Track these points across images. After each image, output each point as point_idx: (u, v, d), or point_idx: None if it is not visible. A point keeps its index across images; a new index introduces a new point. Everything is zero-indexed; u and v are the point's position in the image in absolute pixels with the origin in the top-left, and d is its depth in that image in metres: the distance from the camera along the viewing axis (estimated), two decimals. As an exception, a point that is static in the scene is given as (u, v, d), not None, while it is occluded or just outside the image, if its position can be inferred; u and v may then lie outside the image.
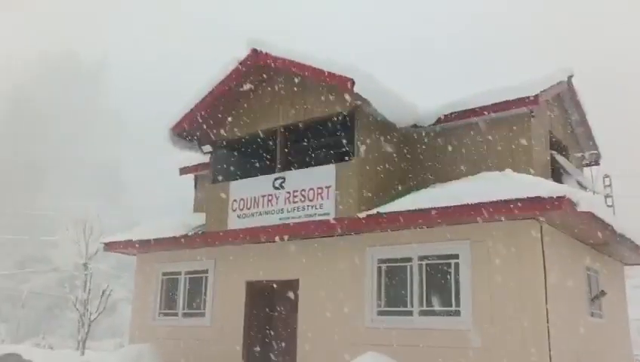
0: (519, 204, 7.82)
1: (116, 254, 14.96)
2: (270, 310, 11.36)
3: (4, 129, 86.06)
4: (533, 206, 7.77)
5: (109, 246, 13.54)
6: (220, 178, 11.72)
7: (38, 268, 57.42)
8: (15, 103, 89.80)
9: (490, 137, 10.00)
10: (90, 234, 31.04)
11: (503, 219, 8.25)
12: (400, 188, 10.24)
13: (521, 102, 9.46)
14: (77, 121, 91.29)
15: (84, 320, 29.63)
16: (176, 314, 12.37)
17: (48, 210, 65.20)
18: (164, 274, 12.83)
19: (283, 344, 10.84)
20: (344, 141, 11.09)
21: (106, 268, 39.91)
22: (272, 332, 11.28)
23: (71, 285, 31.17)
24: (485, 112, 9.82)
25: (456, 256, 8.81)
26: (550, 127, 10.72)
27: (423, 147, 10.71)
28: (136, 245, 12.57)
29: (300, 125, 10.82)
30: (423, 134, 10.72)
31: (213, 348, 11.20)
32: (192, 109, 11.36)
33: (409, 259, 9.29)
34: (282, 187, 10.46)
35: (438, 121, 10.31)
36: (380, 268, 9.61)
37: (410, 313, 9.11)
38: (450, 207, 8.37)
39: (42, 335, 39.29)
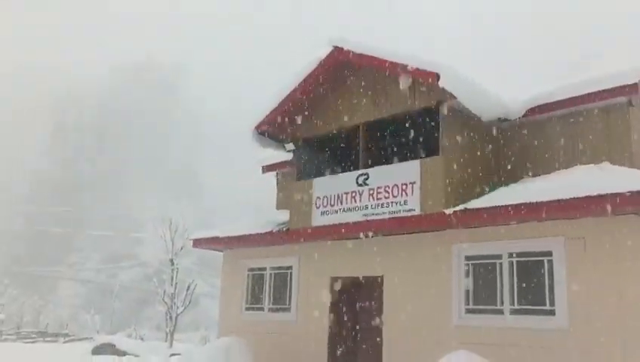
0: (619, 199, 7.42)
1: (197, 251, 15.50)
2: (355, 306, 11.40)
3: (93, 136, 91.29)
4: (635, 200, 7.34)
5: (197, 243, 14.06)
6: (304, 175, 11.88)
7: (126, 263, 60.69)
8: (100, 110, 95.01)
9: (584, 129, 9.55)
10: (175, 231, 32.33)
11: (600, 214, 7.86)
12: (487, 183, 9.98)
13: (619, 90, 8.96)
14: (159, 124, 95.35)
15: (172, 313, 30.99)
16: (262, 309, 12.68)
17: (133, 209, 68.72)
18: (249, 269, 13.18)
19: (368, 340, 10.86)
20: (428, 136, 10.93)
21: (188, 264, 41.48)
22: (357, 329, 11.31)
23: (159, 279, 32.67)
24: (579, 103, 9.38)
25: (549, 254, 8.48)
26: (650, 116, 10.09)
27: (511, 141, 10.38)
28: (223, 241, 12.99)
29: (383, 121, 10.78)
30: (511, 127, 10.39)
31: (299, 342, 11.39)
32: (275, 108, 11.58)
33: (498, 256, 9.04)
34: (366, 184, 10.47)
35: (527, 113, 9.95)
36: (467, 266, 9.42)
37: (500, 311, 8.87)
38: (543, 202, 8.06)
39: (133, 326, 41.41)
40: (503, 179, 10.11)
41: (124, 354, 23.51)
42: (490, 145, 10.42)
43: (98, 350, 24.82)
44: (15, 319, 50.65)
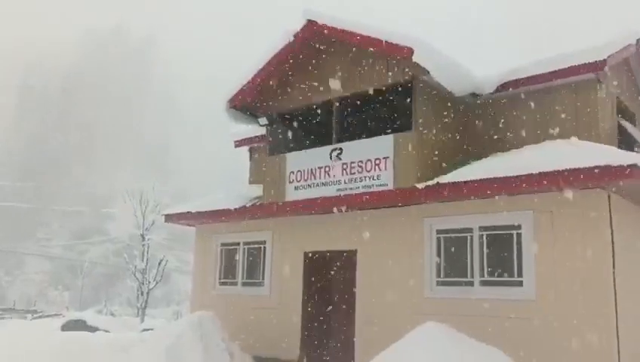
0: (586, 173, 7.61)
1: (169, 226, 15.37)
2: (328, 280, 11.51)
3: (58, 106, 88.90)
4: (602, 175, 7.54)
5: (169, 218, 13.95)
6: (277, 150, 11.84)
7: (96, 238, 59.97)
8: (65, 80, 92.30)
9: (553, 105, 9.71)
10: (146, 206, 32.01)
11: (568, 189, 8.04)
12: (459, 158, 10.11)
13: (587, 67, 9.12)
14: (128, 95, 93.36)
15: (143, 288, 30.85)
16: (235, 284, 12.71)
17: (104, 184, 67.66)
18: (222, 244, 13.16)
19: (341, 314, 11.00)
20: (402, 111, 10.97)
21: (159, 240, 41.19)
22: (331, 302, 11.44)
23: (129, 255, 32.41)
24: (549, 79, 9.52)
25: (519, 227, 8.68)
26: (617, 93, 10.30)
27: (483, 116, 10.50)
28: (195, 217, 12.92)
29: (357, 96, 10.77)
30: (483, 103, 10.50)
31: (273, 316, 11.49)
32: (247, 82, 11.47)
33: (469, 230, 9.21)
34: (339, 158, 10.49)
35: (499, 88, 10.07)
36: (439, 239, 9.58)
37: (470, 283, 9.07)
38: (512, 176, 8.22)
39: (104, 303, 41.14)
40: (475, 154, 10.24)
41: (95, 330, 23.33)
42: (462, 121, 10.54)
43: (68, 326, 24.55)
44: (-19, 296, 49.77)
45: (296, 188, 11.09)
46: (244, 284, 12.54)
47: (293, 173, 11.19)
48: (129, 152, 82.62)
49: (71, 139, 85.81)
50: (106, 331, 22.60)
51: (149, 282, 30.86)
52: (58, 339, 17.81)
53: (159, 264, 30.71)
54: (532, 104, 9.93)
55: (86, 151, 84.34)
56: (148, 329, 19.86)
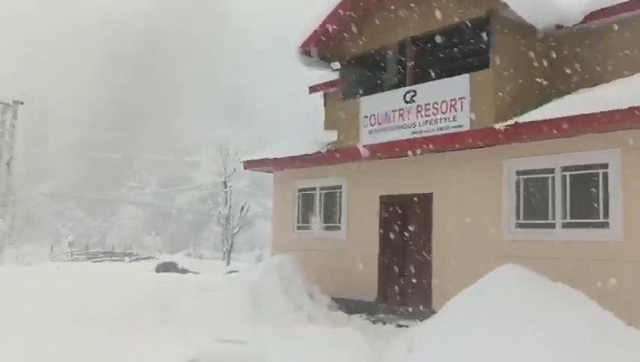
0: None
1: (250, 173, 15.79)
2: (404, 224, 11.52)
3: (142, 61, 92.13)
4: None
5: (247, 165, 14.35)
6: (350, 94, 11.75)
7: (183, 186, 62.84)
8: (148, 36, 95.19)
9: (647, 34, 8.94)
10: (226, 154, 33.01)
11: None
12: (541, 95, 9.61)
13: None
14: (205, 47, 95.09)
15: (227, 233, 32.26)
16: (313, 228, 13.00)
17: (187, 132, 70.16)
18: (300, 190, 13.42)
19: (418, 257, 11.04)
20: (478, 49, 10.50)
21: (241, 187, 42.48)
22: (407, 246, 11.49)
23: (213, 202, 33.85)
24: (643, 5, 8.74)
25: (605, 166, 8.24)
26: None
27: (568, 50, 9.85)
28: (273, 163, 13.21)
29: (431, 35, 10.39)
30: (568, 35, 9.83)
31: (349, 259, 11.71)
32: (319, 26, 11.33)
33: (551, 170, 8.86)
34: (413, 101, 10.28)
35: (586, 18, 9.36)
36: (518, 180, 9.29)
37: (552, 225, 8.80)
38: (598, 113, 7.75)
39: (192, 246, 43.42)
40: (557, 90, 9.70)
41: (184, 271, 24.81)
42: (544, 55, 9.94)
43: (161, 268, 26.25)
44: (83, 241, 53.95)
45: (370, 132, 11.03)
46: (321, 228, 12.80)
47: (367, 117, 11.11)
48: (209, 102, 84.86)
49: (156, 92, 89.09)
50: (195, 273, 23.99)
51: (233, 227, 32.18)
52: (152, 279, 19.15)
53: (241, 210, 31.90)
54: (624, 34, 9.18)
55: (170, 102, 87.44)
56: (233, 272, 20.85)
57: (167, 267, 25.99)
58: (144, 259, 41.49)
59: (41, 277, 17.97)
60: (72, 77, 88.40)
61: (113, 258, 45.75)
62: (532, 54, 9.73)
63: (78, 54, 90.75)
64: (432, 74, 11.13)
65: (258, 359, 5.80)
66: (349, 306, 11.11)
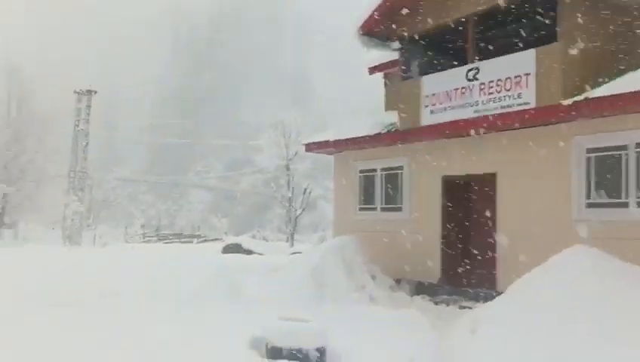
0: None
1: (312, 156, 15.92)
2: (467, 204, 11.35)
3: (206, 44, 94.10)
4: None
5: (309, 148, 14.49)
6: (411, 74, 11.61)
7: (247, 170, 64.14)
8: (212, 22, 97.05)
9: None
10: (288, 137, 33.38)
11: None
12: (612, 69, 9.15)
13: None
14: (268, 32, 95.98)
15: (290, 216, 32.77)
16: (374, 209, 13.01)
17: (250, 116, 71.38)
18: (361, 171, 13.44)
19: (482, 238, 10.86)
20: (544, 22, 10.10)
21: (304, 169, 42.91)
22: (470, 225, 11.32)
23: (276, 184, 34.42)
24: None
25: (683, 142, 7.80)
26: None
27: (642, 19, 9.32)
28: (333, 145, 13.27)
29: (494, 10, 10.08)
30: (642, 4, 9.30)
31: (412, 240, 11.66)
32: (377, 6, 11.23)
33: (623, 148, 8.46)
34: (476, 78, 10.04)
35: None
36: (588, 158, 8.93)
37: (624, 205, 8.43)
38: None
39: (257, 228, 44.38)
40: (630, 64, 9.20)
41: (250, 252, 25.43)
42: (617, 26, 9.44)
43: (227, 249, 27.02)
44: (153, 223, 56.25)
45: (432, 111, 10.88)
46: (383, 209, 12.79)
47: (428, 96, 10.95)
48: (272, 86, 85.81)
49: (221, 78, 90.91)
50: (260, 254, 24.55)
51: (296, 210, 32.63)
52: (220, 260, 19.76)
53: (304, 192, 32.28)
54: None
55: (235, 87, 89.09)
56: (296, 253, 21.19)
57: (233, 248, 26.71)
58: (211, 240, 42.82)
59: (117, 258, 18.93)
60: (141, 65, 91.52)
61: (182, 239, 47.47)
62: (604, 24, 9.26)
63: (147, 42, 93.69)
64: (496, 50, 10.82)
65: (321, 337, 5.92)
66: (411, 287, 11.09)
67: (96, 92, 41.89)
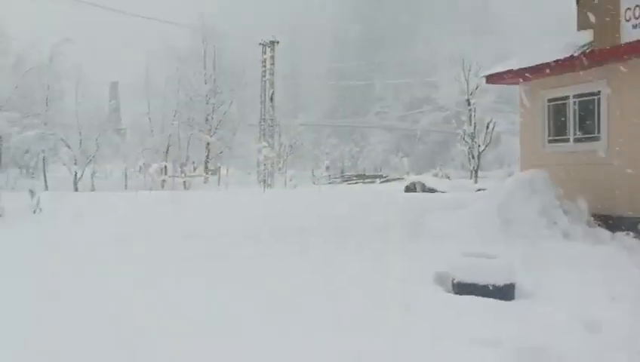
0: None
1: (494, 88, 15.10)
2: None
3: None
4: None
5: (490, 79, 13.74)
6: (608, -15, 10.25)
7: (425, 108, 63.10)
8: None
9: None
10: (468, 70, 31.99)
11: None
12: None
13: None
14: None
15: (473, 152, 31.74)
16: (566, 140, 12.02)
17: (427, 53, 69.60)
18: (549, 100, 12.43)
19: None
20: None
21: (487, 103, 41.06)
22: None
23: (457, 121, 33.45)
24: None
25: None
26: None
27: None
28: (518, 74, 12.40)
29: None
30: None
31: (612, 172, 10.60)
32: None
33: None
34: (693, -20, 8.54)
35: None
36: None
37: None
38: None
39: (438, 167, 43.91)
40: None
41: (432, 191, 25.35)
42: None
43: (409, 188, 27.24)
44: (338, 164, 58.59)
45: (634, 26, 9.56)
46: (576, 140, 11.77)
47: (629, 9, 9.63)
48: (449, 19, 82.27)
49: (397, 17, 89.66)
50: (442, 192, 24.36)
51: (479, 145, 31.50)
52: (403, 198, 20.08)
53: (487, 127, 30.94)
54: None
55: (411, 25, 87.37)
56: (481, 190, 20.61)
57: (415, 187, 26.87)
58: (394, 180, 43.46)
59: (307, 198, 20.24)
60: (318, 10, 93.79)
61: (365, 180, 48.93)
62: None
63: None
64: None
65: (509, 273, 5.75)
66: (610, 223, 10.17)
67: (278, 42, 44.08)
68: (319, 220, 12.27)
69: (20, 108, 31.25)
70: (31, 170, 36.24)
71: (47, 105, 34.61)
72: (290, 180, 32.98)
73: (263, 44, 43.75)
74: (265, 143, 38.24)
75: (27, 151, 34.28)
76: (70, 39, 34.93)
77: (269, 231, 10.36)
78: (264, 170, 37.80)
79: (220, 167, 40.81)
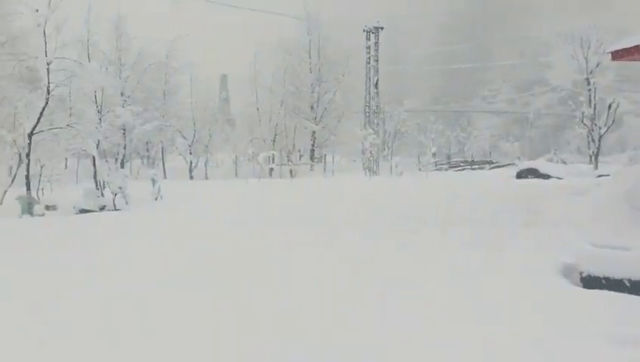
0: None
1: (617, 65, 13.93)
2: None
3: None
4: None
5: (616, 55, 12.65)
6: None
7: (538, 89, 59.80)
8: None
9: None
10: (588, 47, 29.84)
11: None
12: None
13: None
14: None
15: (593, 135, 29.64)
16: None
17: (539, 31, 65.81)
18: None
19: None
20: None
21: (606, 82, 38.13)
22: None
23: (574, 102, 31.30)
24: None
25: None
26: None
27: None
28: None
29: None
30: None
31: None
32: None
33: None
34: None
35: None
36: None
37: None
38: None
39: (553, 151, 41.52)
40: None
41: (547, 177, 24.03)
42: None
43: (521, 174, 26.02)
44: (444, 151, 57.16)
45: None
46: None
47: None
48: (561, -5, 77.20)
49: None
50: (558, 178, 23.02)
51: (600, 128, 29.37)
52: (515, 185, 19.23)
53: (609, 108, 28.74)
54: None
55: (518, 3, 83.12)
56: (603, 175, 19.23)
57: (528, 173, 25.62)
58: (504, 166, 41.72)
59: (415, 185, 19.97)
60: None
61: (473, 166, 47.39)
62: None
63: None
64: None
65: (644, 267, 5.27)
66: None
67: (382, 28, 43.63)
68: (429, 208, 12.05)
69: (141, 102, 33.45)
70: (151, 160, 38.78)
71: (164, 99, 36.76)
72: (396, 167, 32.66)
73: (366, 31, 43.51)
74: (370, 130, 38.14)
75: (148, 142, 36.75)
76: (184, 35, 36.77)
77: (385, 220, 10.35)
78: (369, 157, 37.72)
79: (325, 155, 41.30)
